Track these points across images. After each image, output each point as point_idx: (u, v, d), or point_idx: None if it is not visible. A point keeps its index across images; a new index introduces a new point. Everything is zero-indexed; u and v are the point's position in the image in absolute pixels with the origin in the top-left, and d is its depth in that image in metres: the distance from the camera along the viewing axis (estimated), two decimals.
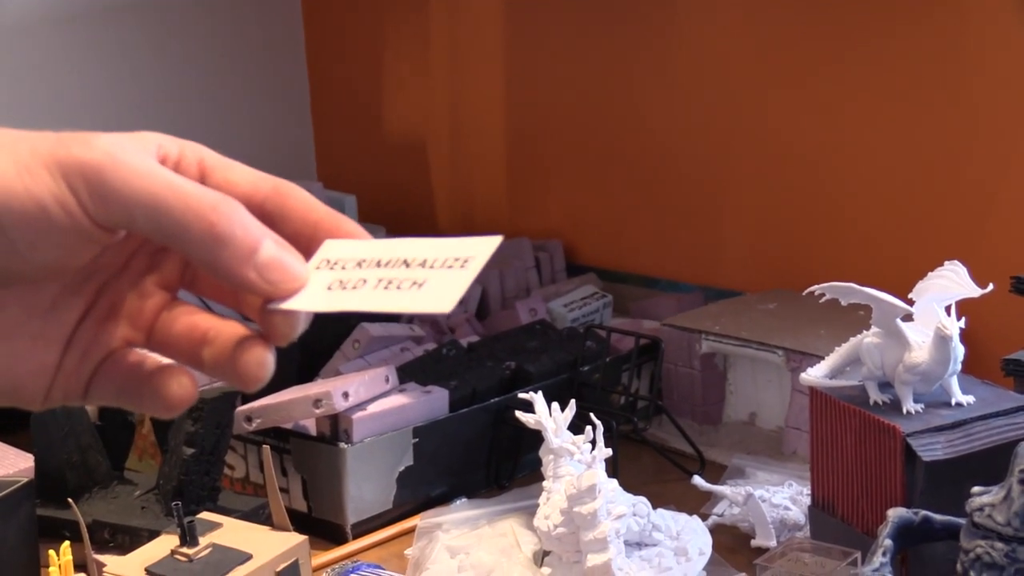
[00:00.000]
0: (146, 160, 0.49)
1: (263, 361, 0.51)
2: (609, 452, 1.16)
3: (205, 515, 1.15)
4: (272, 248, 0.50)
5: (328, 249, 0.52)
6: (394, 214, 1.96)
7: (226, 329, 0.51)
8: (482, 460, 1.43)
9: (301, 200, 0.53)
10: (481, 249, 0.50)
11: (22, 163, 0.47)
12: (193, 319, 0.52)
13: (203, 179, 0.52)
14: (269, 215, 0.52)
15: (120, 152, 0.48)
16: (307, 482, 1.35)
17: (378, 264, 0.51)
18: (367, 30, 2.11)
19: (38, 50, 1.85)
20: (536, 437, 1.24)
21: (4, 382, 0.51)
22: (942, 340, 1.07)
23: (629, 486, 1.22)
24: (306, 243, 0.52)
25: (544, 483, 1.22)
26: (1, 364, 0.51)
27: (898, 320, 1.10)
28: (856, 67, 1.58)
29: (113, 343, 0.52)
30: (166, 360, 0.52)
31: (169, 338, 0.52)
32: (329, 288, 0.50)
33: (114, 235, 0.50)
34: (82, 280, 0.52)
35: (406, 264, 0.50)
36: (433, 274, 0.49)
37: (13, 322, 0.50)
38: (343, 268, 0.51)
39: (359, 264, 0.51)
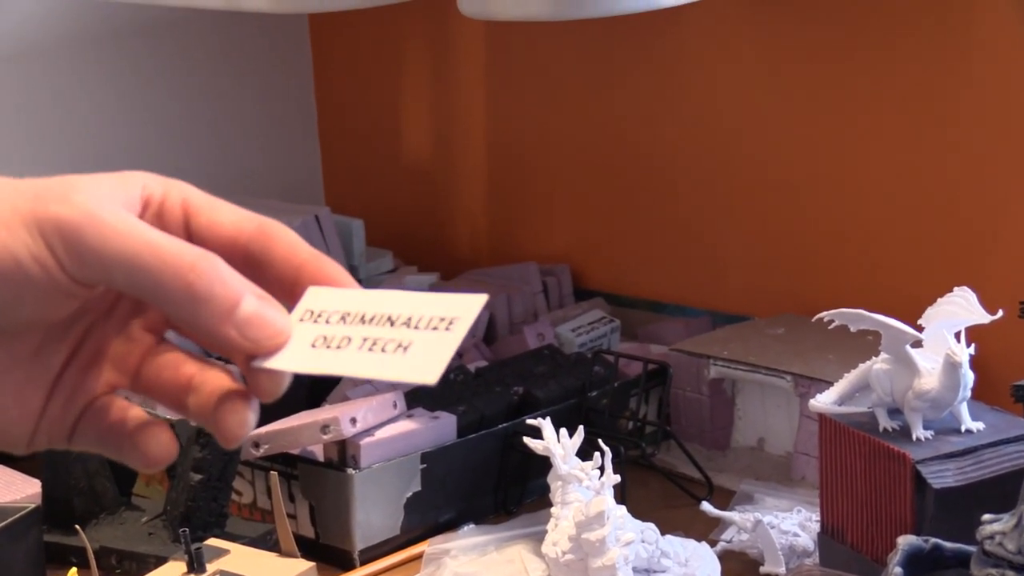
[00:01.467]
0: (124, 217, 0.48)
1: (243, 421, 0.51)
2: (617, 478, 1.16)
3: (212, 541, 1.15)
4: (252, 304, 0.49)
5: (311, 298, 0.52)
6: (402, 238, 1.96)
7: (210, 378, 0.51)
8: (490, 486, 1.42)
9: (285, 242, 0.52)
10: (466, 309, 0.49)
11: (1, 219, 0.47)
12: (178, 365, 0.52)
13: (187, 220, 0.52)
14: (253, 257, 0.52)
15: (98, 208, 0.48)
16: (315, 508, 1.34)
17: (362, 320, 0.50)
18: (376, 55, 2.11)
19: (46, 75, 1.86)
20: (544, 463, 1.24)
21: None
22: (952, 367, 1.07)
23: (637, 512, 1.21)
24: (289, 287, 0.52)
25: (552, 509, 1.21)
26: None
27: (907, 346, 1.10)
28: (864, 91, 1.58)
29: (98, 388, 0.52)
30: (148, 415, 0.52)
31: (155, 383, 0.52)
32: (313, 345, 0.50)
33: (93, 290, 0.50)
34: (66, 326, 0.52)
35: (391, 322, 0.50)
36: (418, 336, 0.49)
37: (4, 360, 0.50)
38: (327, 322, 0.51)
39: (343, 318, 0.50)
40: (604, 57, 1.82)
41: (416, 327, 0.49)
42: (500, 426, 1.42)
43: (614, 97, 1.83)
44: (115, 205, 0.49)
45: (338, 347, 0.50)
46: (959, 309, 1.09)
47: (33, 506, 1.24)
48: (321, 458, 1.36)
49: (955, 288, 1.11)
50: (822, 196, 1.64)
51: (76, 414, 0.52)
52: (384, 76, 2.10)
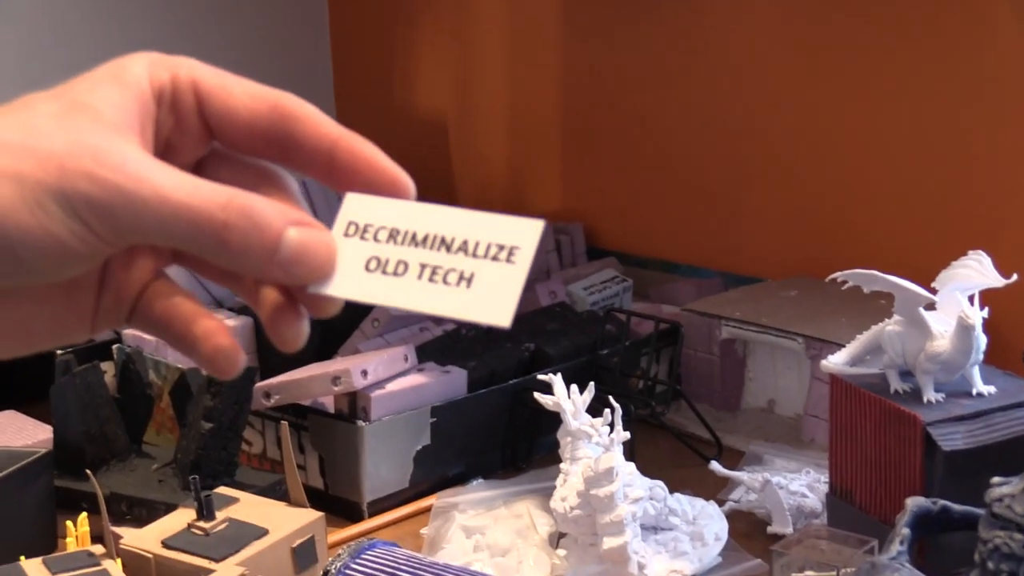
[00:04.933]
0: (150, 176, 0.47)
1: (299, 332, 0.50)
2: (627, 435, 1.16)
3: (222, 490, 1.16)
4: (292, 241, 0.48)
5: (352, 208, 0.50)
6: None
7: (266, 293, 0.51)
8: (499, 441, 1.42)
9: (309, 120, 0.51)
10: (526, 237, 0.48)
11: (30, 197, 0.46)
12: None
13: (201, 107, 0.51)
14: (278, 141, 0.51)
15: (124, 179, 0.47)
16: (324, 459, 1.35)
17: (414, 240, 0.49)
18: (390, 10, 2.11)
19: (51, 31, 1.85)
20: (554, 419, 1.24)
21: (52, 336, 0.51)
22: (964, 329, 1.07)
23: (646, 470, 1.21)
24: (324, 167, 0.51)
25: (561, 465, 1.21)
26: (44, 325, 0.51)
27: (921, 309, 1.09)
28: (882, 55, 1.57)
29: (144, 276, 0.52)
30: (203, 311, 0.52)
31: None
32: (367, 268, 0.49)
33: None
34: None
35: (446, 246, 0.48)
36: (480, 268, 0.47)
37: (42, 293, 0.50)
38: (375, 239, 0.49)
39: (392, 236, 0.49)
40: (623, 20, 1.81)
41: (475, 255, 0.48)
42: (511, 382, 1.42)
43: (632, 59, 1.82)
44: (136, 152, 0.48)
45: (395, 273, 0.48)
46: (973, 272, 1.09)
47: (44, 451, 1.24)
48: (332, 410, 1.36)
49: (969, 251, 1.10)
50: (837, 159, 1.64)
51: (131, 302, 0.52)
52: (398, 33, 2.09)
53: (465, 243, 0.48)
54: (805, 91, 1.65)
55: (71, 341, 0.53)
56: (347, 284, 0.49)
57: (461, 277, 0.47)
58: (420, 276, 0.48)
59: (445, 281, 0.48)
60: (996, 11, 1.46)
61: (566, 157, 1.93)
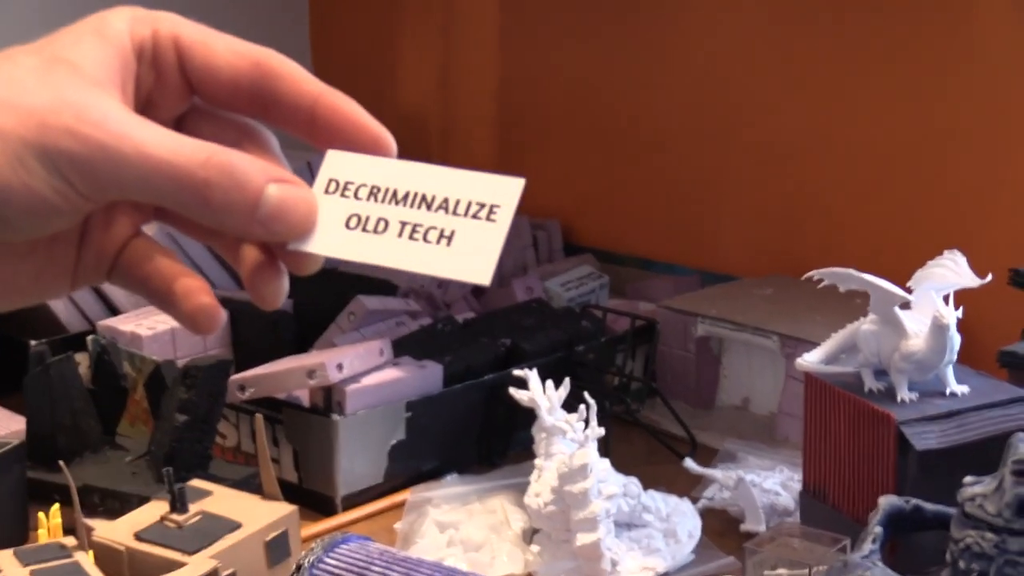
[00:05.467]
0: (131, 132, 0.47)
1: (278, 290, 0.51)
2: (602, 432, 1.16)
3: (196, 483, 1.15)
4: (273, 197, 0.48)
5: (333, 165, 0.50)
6: None
7: (247, 252, 0.51)
8: (474, 436, 1.42)
9: (290, 76, 0.51)
10: (506, 195, 0.48)
11: (10, 153, 0.46)
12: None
13: (182, 63, 0.51)
14: (260, 97, 0.51)
15: (105, 135, 0.47)
16: (298, 453, 1.35)
17: (395, 199, 0.48)
18: (369, 6, 2.10)
19: (37, 10, 1.85)
20: (529, 415, 1.24)
21: (33, 292, 0.52)
22: (939, 329, 1.07)
23: (621, 467, 1.21)
24: (306, 124, 0.51)
25: (536, 461, 1.22)
26: (25, 281, 0.51)
27: (896, 308, 1.10)
28: (856, 54, 1.57)
29: (125, 232, 0.52)
30: (183, 269, 0.52)
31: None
32: (348, 226, 0.49)
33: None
34: None
35: (426, 204, 0.48)
36: (460, 225, 0.47)
37: (24, 249, 0.50)
38: (356, 196, 0.49)
39: (373, 194, 0.49)
40: (599, 15, 1.82)
41: (455, 212, 0.48)
42: (486, 377, 1.42)
43: (610, 55, 1.82)
44: (117, 108, 0.48)
45: (375, 231, 0.48)
46: (948, 272, 1.09)
47: (17, 442, 1.24)
48: (306, 403, 1.36)
49: (945, 251, 1.11)
50: (814, 158, 1.64)
51: (111, 258, 0.52)
52: (377, 28, 2.09)
53: (446, 201, 0.48)
54: (782, 90, 1.65)
55: (51, 297, 0.53)
56: (327, 241, 0.49)
57: (441, 235, 0.47)
58: (400, 234, 0.48)
59: (425, 239, 0.48)
60: (974, 12, 1.47)
61: (543, 153, 1.93)
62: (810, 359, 1.15)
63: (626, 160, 1.84)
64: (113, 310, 1.58)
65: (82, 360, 1.41)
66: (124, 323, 1.46)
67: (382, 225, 0.48)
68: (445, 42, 2.01)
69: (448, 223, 0.47)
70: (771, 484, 1.27)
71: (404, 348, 1.43)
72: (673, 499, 1.24)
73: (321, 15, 2.15)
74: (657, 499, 1.22)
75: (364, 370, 1.36)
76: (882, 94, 1.56)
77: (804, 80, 1.63)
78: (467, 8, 1.98)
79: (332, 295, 1.52)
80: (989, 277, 1.08)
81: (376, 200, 0.49)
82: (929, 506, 0.99)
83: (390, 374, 1.37)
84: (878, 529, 0.96)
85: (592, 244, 1.87)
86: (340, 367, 1.33)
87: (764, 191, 1.69)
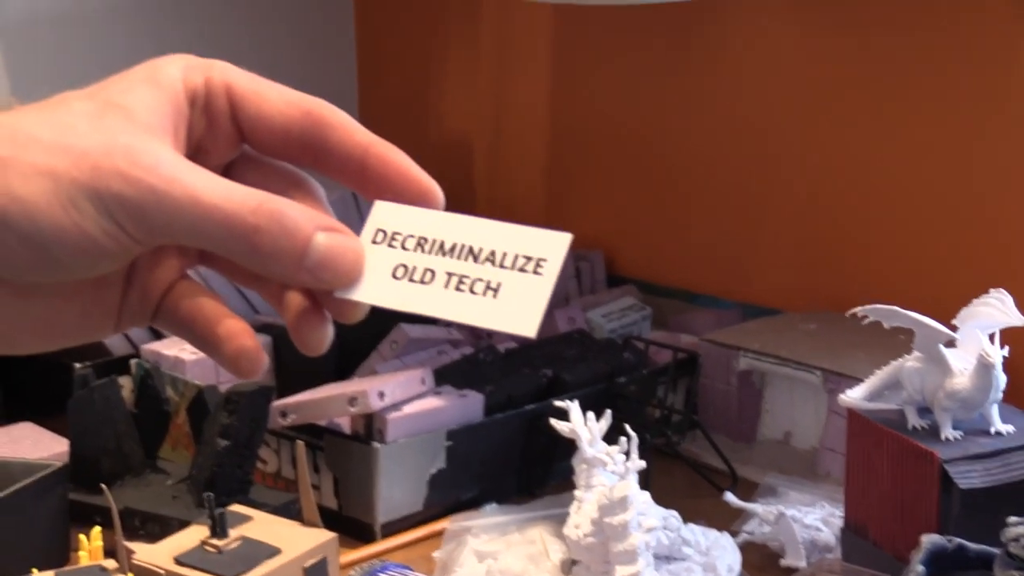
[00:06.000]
0: (182, 178, 0.48)
1: (323, 337, 0.51)
2: (643, 464, 1.16)
3: (236, 507, 1.16)
4: (321, 246, 0.48)
5: (381, 216, 0.50)
6: None
7: (291, 298, 0.51)
8: (514, 466, 1.42)
9: (341, 127, 0.52)
10: (553, 249, 0.48)
11: (63, 194, 0.47)
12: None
13: (234, 111, 0.52)
14: (311, 147, 0.51)
15: (157, 180, 0.47)
16: (339, 480, 1.35)
17: (442, 250, 0.49)
18: (417, 32, 2.12)
19: (58, 39, 1.86)
20: (569, 446, 1.24)
21: (78, 332, 0.52)
22: (984, 368, 1.07)
23: (661, 500, 1.21)
24: (356, 175, 0.51)
25: (576, 492, 1.21)
26: (71, 321, 0.52)
27: (941, 345, 1.09)
28: (897, 91, 1.57)
29: (171, 276, 0.53)
30: (227, 312, 0.52)
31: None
32: (395, 276, 0.49)
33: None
34: None
35: (473, 256, 0.48)
36: (507, 277, 0.47)
37: (70, 290, 0.51)
38: (403, 247, 0.49)
39: (419, 245, 0.49)
40: (645, 48, 1.82)
41: (502, 265, 0.48)
42: (527, 407, 1.42)
43: (654, 88, 1.82)
44: (169, 153, 0.48)
45: (422, 281, 0.48)
46: (994, 311, 1.08)
47: (60, 464, 1.25)
48: (347, 430, 1.36)
49: (991, 290, 1.10)
50: (859, 193, 1.63)
51: (156, 300, 0.53)
52: (424, 55, 2.10)
53: (492, 253, 0.48)
54: (825, 124, 1.65)
55: (96, 338, 0.54)
56: (374, 290, 0.49)
57: (488, 287, 0.48)
58: (447, 284, 0.48)
59: (472, 290, 0.48)
60: (1016, 49, 1.46)
61: (587, 184, 1.94)
62: (853, 395, 1.15)
63: (669, 192, 1.84)
64: (157, 334, 1.59)
65: (125, 384, 1.42)
66: (168, 347, 1.46)
67: (429, 276, 0.49)
68: (492, 72, 2.02)
69: (495, 275, 0.48)
70: (812, 520, 1.26)
71: (445, 377, 1.44)
72: (713, 533, 1.24)
73: (369, 46, 2.17)
74: (697, 532, 1.21)
75: (405, 398, 1.36)
76: (925, 131, 1.55)
77: (847, 115, 1.63)
78: (516, 37, 1.98)
79: (374, 323, 1.52)
80: None
81: (423, 251, 0.49)
82: (972, 545, 0.98)
83: (431, 403, 1.38)
84: (920, 568, 0.95)
85: (635, 275, 1.87)
86: (382, 395, 1.33)
87: (807, 225, 1.69)
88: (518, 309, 0.47)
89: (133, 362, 1.46)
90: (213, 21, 1.99)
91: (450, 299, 0.48)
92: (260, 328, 1.52)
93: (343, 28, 2.15)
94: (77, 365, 1.45)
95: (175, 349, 1.46)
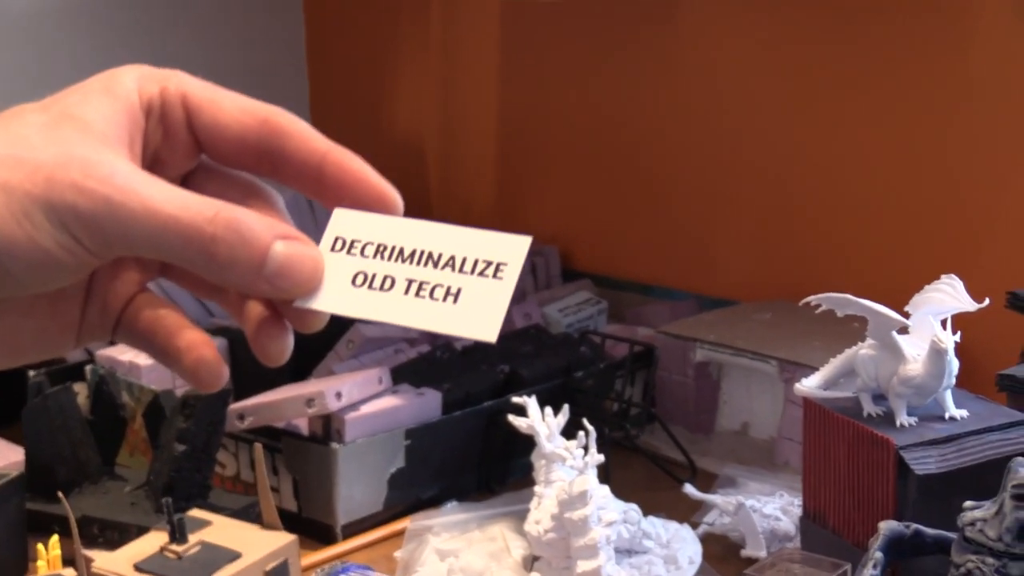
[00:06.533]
0: (138, 189, 0.47)
1: (284, 347, 0.51)
2: (601, 458, 1.16)
3: (195, 512, 1.15)
4: (279, 255, 0.48)
5: (340, 222, 0.50)
6: None
7: (250, 307, 0.51)
8: (474, 463, 1.42)
9: (298, 135, 0.52)
10: (513, 253, 0.48)
11: (17, 207, 0.46)
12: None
13: (190, 120, 0.51)
14: (267, 155, 0.51)
15: (111, 191, 0.47)
16: (298, 482, 1.34)
17: (401, 256, 0.49)
18: (367, 33, 2.11)
19: (34, 45, 1.85)
20: (528, 442, 1.24)
21: (37, 348, 0.52)
22: (937, 354, 1.07)
23: (620, 493, 1.21)
24: (313, 182, 0.51)
25: (535, 488, 1.21)
26: (29, 337, 0.51)
27: (894, 333, 1.10)
28: (855, 80, 1.58)
29: (130, 289, 0.52)
30: (189, 323, 0.52)
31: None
32: (354, 283, 0.49)
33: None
34: None
35: (433, 262, 0.48)
36: (467, 283, 0.48)
37: (27, 305, 0.50)
38: (362, 254, 0.49)
39: (379, 252, 0.49)
40: (597, 41, 1.82)
41: (462, 270, 0.48)
42: (485, 404, 1.42)
43: (608, 82, 1.83)
44: (124, 164, 0.48)
45: (382, 288, 0.48)
46: (946, 296, 1.09)
47: (16, 473, 1.23)
48: (305, 432, 1.36)
49: (942, 276, 1.11)
50: (812, 183, 1.64)
51: (116, 314, 0.52)
52: (374, 55, 2.09)
53: (452, 259, 0.48)
54: (780, 115, 1.66)
55: (56, 354, 0.53)
56: (333, 299, 0.49)
57: (448, 292, 0.48)
58: (407, 291, 0.48)
59: (432, 296, 0.48)
60: (975, 39, 1.47)
61: (541, 179, 1.94)
62: (808, 384, 1.15)
63: (624, 185, 1.84)
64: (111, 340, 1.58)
65: (81, 390, 1.41)
66: (123, 353, 1.46)
67: (388, 282, 0.48)
68: (444, 68, 2.02)
69: (455, 281, 0.48)
70: (771, 509, 1.27)
71: (402, 376, 1.43)
72: (673, 525, 1.24)
73: (319, 48, 2.16)
74: (657, 525, 1.22)
75: (363, 398, 1.36)
76: (880, 120, 1.56)
77: (802, 105, 1.63)
78: (466, 34, 1.98)
79: (331, 323, 1.52)
80: (987, 301, 1.08)
81: (383, 258, 0.49)
82: (929, 531, 0.99)
83: (389, 402, 1.37)
84: (878, 554, 0.96)
85: (590, 269, 1.87)
86: (339, 395, 1.33)
87: (762, 216, 1.70)
88: (478, 314, 0.47)
89: (88, 368, 1.45)
90: (161, 24, 1.97)
91: (410, 306, 0.48)
92: (215, 331, 1.52)
93: (293, 31, 2.15)
94: (31, 372, 1.44)
95: (130, 354, 1.45)
